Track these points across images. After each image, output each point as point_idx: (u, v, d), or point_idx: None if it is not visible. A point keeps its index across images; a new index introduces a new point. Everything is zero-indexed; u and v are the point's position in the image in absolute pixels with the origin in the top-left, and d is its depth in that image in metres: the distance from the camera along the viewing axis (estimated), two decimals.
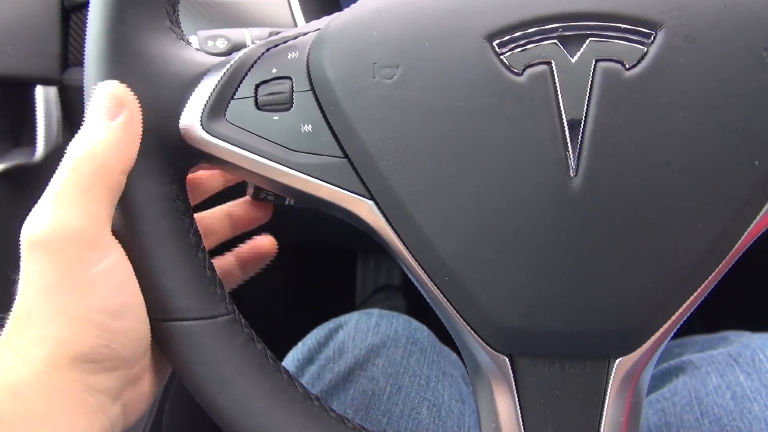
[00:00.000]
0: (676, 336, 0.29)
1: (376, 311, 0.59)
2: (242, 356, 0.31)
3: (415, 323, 0.59)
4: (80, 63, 0.67)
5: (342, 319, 0.59)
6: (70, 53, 0.66)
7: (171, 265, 0.30)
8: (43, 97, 0.62)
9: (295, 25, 0.62)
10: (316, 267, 1.25)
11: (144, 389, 0.32)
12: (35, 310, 0.28)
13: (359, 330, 0.56)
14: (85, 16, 0.66)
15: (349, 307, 1.24)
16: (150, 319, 0.30)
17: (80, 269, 0.28)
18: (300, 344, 0.57)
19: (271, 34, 0.45)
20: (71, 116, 0.65)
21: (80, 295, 0.28)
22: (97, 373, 0.29)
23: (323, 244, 1.05)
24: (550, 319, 0.28)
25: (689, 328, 0.68)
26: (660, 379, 0.53)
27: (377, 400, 0.49)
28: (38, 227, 0.27)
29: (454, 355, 0.60)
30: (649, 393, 0.53)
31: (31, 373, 0.27)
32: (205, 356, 0.30)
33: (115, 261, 0.29)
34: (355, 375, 0.51)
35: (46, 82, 0.62)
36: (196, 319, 0.30)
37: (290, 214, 0.41)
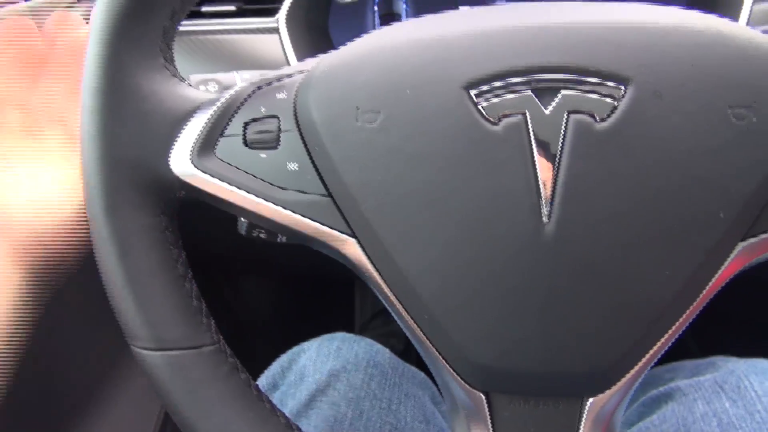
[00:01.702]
0: (667, 360, 0.30)
1: (339, 335, 0.59)
2: (226, 385, 0.31)
3: (378, 346, 0.59)
4: None
5: (306, 344, 0.59)
6: None
7: (159, 295, 0.31)
8: None
9: (288, 62, 0.63)
10: (315, 295, 1.26)
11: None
12: None
13: (320, 354, 0.56)
14: None
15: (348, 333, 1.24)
16: (136, 348, 0.31)
17: None
18: (266, 370, 0.57)
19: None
20: None
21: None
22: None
23: (321, 272, 1.05)
24: (524, 359, 0.29)
25: (682, 351, 0.69)
26: (649, 406, 0.53)
27: (339, 427, 0.49)
28: None
29: (421, 375, 0.60)
30: (638, 420, 0.53)
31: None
32: (189, 385, 0.31)
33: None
34: (316, 401, 0.51)
35: None
36: (182, 348, 0.31)
37: (286, 246, 0.42)
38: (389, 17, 0.68)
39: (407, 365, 0.59)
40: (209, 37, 0.65)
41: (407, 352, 1.16)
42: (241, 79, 0.44)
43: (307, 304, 1.26)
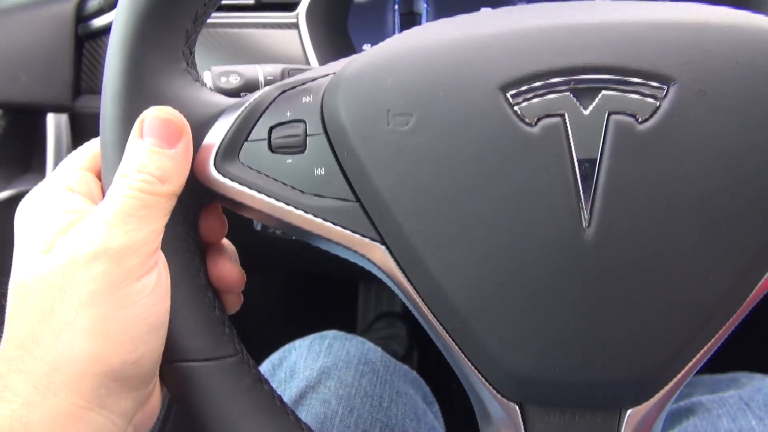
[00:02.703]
0: None
1: (331, 333, 0.59)
2: (249, 398, 0.31)
3: (369, 344, 0.59)
4: (92, 90, 0.68)
5: (297, 342, 0.58)
6: (83, 80, 0.67)
7: (181, 305, 0.30)
8: (54, 124, 0.63)
9: (306, 59, 0.62)
10: (318, 294, 1.25)
11: (153, 408, 0.32)
12: (68, 326, 0.27)
13: (312, 351, 0.55)
14: (98, 44, 0.67)
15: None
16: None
17: (129, 279, 0.28)
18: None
19: (283, 71, 0.46)
20: (82, 142, 0.66)
21: (124, 303, 0.28)
22: (118, 395, 0.29)
23: (326, 271, 1.04)
24: (562, 368, 0.28)
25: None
26: (669, 421, 0.52)
27: (329, 423, 0.48)
28: (100, 240, 0.28)
29: (413, 374, 0.60)
30: None
31: (50, 406, 0.27)
32: (212, 398, 0.30)
33: (159, 275, 0.29)
34: (307, 398, 0.51)
35: (57, 109, 0.63)
36: (205, 360, 0.30)
37: (294, 242, 0.41)
38: (410, 16, 0.67)
39: (399, 363, 0.59)
40: (227, 30, 0.65)
41: (408, 357, 1.15)
42: (263, 72, 0.43)
43: (311, 303, 1.25)
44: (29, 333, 0.28)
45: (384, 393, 0.52)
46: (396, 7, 0.67)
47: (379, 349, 0.58)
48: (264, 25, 0.64)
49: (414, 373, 0.59)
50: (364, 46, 0.68)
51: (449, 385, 0.69)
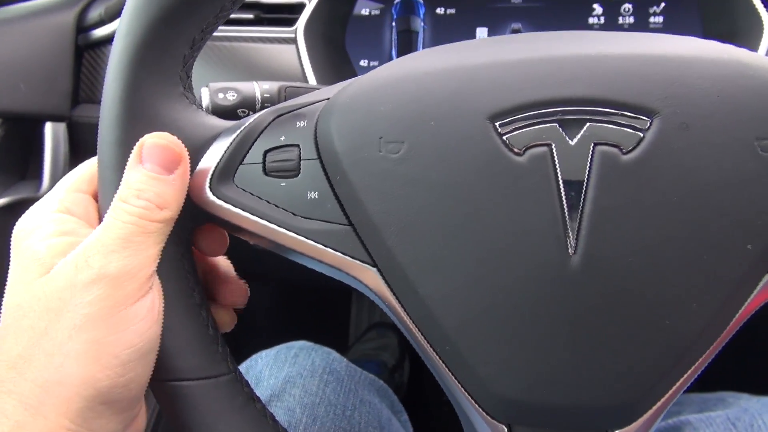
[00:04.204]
0: None
1: (298, 344, 0.59)
2: (242, 417, 0.31)
3: (335, 355, 0.59)
4: (90, 100, 0.68)
5: (264, 352, 0.59)
6: (81, 90, 0.68)
7: (175, 324, 0.31)
8: (52, 133, 0.63)
9: (303, 74, 0.63)
10: (311, 304, 1.25)
11: (138, 428, 0.32)
12: (60, 349, 0.27)
13: (277, 361, 0.56)
14: (98, 54, 0.68)
15: (342, 344, 1.24)
16: (152, 379, 0.31)
17: (124, 304, 0.28)
18: None
19: (280, 89, 0.46)
20: (79, 151, 0.66)
21: (117, 328, 0.28)
22: (106, 417, 0.29)
23: (318, 281, 1.05)
24: (548, 392, 0.28)
25: None
26: None
27: None
28: (99, 266, 0.28)
29: (380, 383, 0.60)
30: None
31: (40, 428, 0.27)
32: (205, 417, 0.30)
33: (152, 300, 0.30)
34: (271, 406, 0.51)
35: (55, 118, 0.63)
36: (198, 378, 0.31)
37: None
38: (406, 34, 0.68)
39: (365, 373, 0.59)
40: (225, 43, 0.65)
41: (399, 367, 1.15)
42: (260, 89, 0.44)
43: (303, 313, 1.25)
44: (21, 354, 0.28)
45: (348, 401, 0.53)
46: (393, 24, 0.68)
47: (344, 359, 0.59)
48: (262, 40, 0.65)
49: (381, 382, 0.60)
50: (362, 62, 0.69)
51: (440, 396, 0.70)
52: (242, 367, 0.58)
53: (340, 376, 0.55)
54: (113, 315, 0.28)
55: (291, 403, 0.51)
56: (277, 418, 0.50)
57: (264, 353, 0.58)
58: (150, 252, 0.29)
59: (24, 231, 0.31)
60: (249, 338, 1.13)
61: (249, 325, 1.19)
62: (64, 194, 0.32)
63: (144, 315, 0.29)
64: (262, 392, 0.52)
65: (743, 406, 0.51)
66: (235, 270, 0.44)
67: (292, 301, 1.25)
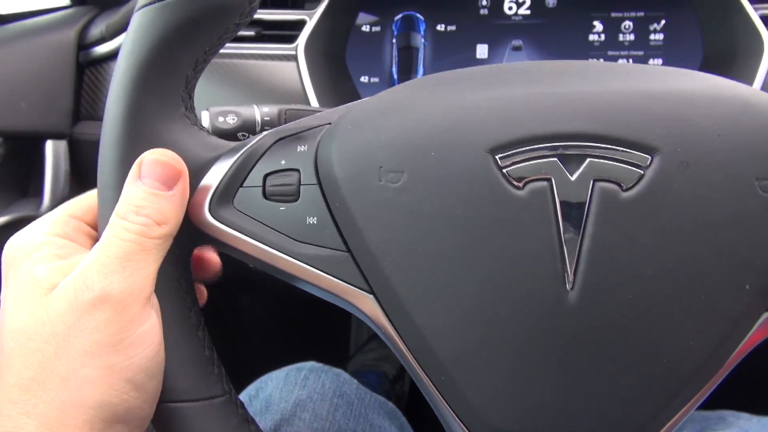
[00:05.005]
0: None
1: (308, 365, 0.59)
2: None
3: (345, 376, 0.59)
4: (91, 117, 0.69)
5: (273, 373, 0.59)
6: (82, 107, 0.68)
7: (171, 346, 0.31)
8: (53, 150, 0.63)
9: (304, 90, 0.63)
10: (312, 315, 1.25)
11: None
12: (75, 373, 0.28)
13: (287, 383, 0.56)
14: (99, 71, 0.68)
15: (342, 355, 1.24)
16: None
17: (131, 328, 0.28)
18: None
19: (280, 112, 0.46)
20: (80, 169, 0.66)
21: (128, 354, 0.28)
22: None
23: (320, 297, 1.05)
24: (542, 425, 0.28)
25: None
26: None
27: None
28: (99, 287, 0.28)
29: (389, 405, 0.60)
30: None
31: None
32: None
33: (155, 321, 0.30)
34: (281, 430, 0.51)
35: (56, 136, 0.63)
36: (193, 400, 0.31)
37: None
38: (407, 50, 0.68)
39: (375, 395, 0.59)
40: (226, 60, 0.65)
41: (399, 378, 1.15)
42: (260, 113, 0.44)
43: (305, 323, 1.25)
44: (34, 378, 0.28)
45: (358, 426, 0.53)
46: (394, 41, 0.68)
47: (355, 381, 0.59)
48: (263, 57, 0.65)
49: (390, 404, 0.60)
50: (362, 78, 0.69)
51: None
52: (252, 388, 0.58)
53: (350, 399, 0.55)
54: (122, 340, 0.28)
55: (301, 427, 0.51)
56: None
57: (274, 375, 0.58)
58: (149, 270, 0.29)
59: (21, 252, 0.31)
60: (250, 350, 1.13)
61: (251, 337, 1.20)
62: (61, 218, 0.33)
63: (152, 338, 0.29)
64: (272, 416, 0.52)
65: (743, 427, 0.51)
66: (235, 281, 0.44)
67: (293, 312, 1.25)
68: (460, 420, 0.29)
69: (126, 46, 0.30)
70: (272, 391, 0.55)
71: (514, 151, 0.28)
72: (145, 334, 0.29)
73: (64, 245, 0.31)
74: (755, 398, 0.68)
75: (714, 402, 0.61)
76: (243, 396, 0.58)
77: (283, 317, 1.25)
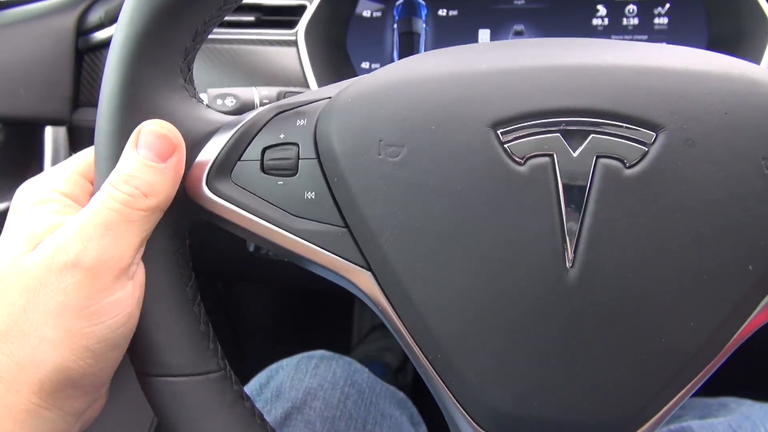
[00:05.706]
0: None
1: (319, 353, 0.59)
2: (230, 415, 0.31)
3: (356, 365, 0.59)
4: (91, 103, 0.68)
5: (284, 361, 0.58)
6: (82, 94, 0.67)
7: (167, 319, 0.30)
8: (52, 137, 0.63)
9: (304, 76, 0.63)
10: (314, 306, 1.25)
11: (101, 404, 0.33)
12: (36, 331, 0.28)
13: (298, 372, 0.56)
14: (98, 57, 0.68)
15: (345, 346, 1.24)
16: (140, 374, 0.31)
17: (99, 297, 0.28)
18: (245, 387, 0.56)
19: (279, 94, 0.46)
20: None
21: (91, 321, 0.28)
22: (74, 398, 0.30)
23: (321, 284, 1.05)
24: (540, 405, 0.28)
25: None
26: None
27: None
28: (75, 252, 0.28)
29: (400, 395, 0.60)
30: None
31: (12, 401, 0.28)
32: (193, 414, 0.30)
33: (128, 293, 0.29)
34: (292, 419, 0.51)
35: (56, 122, 0.63)
36: (188, 375, 0.30)
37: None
38: (408, 35, 0.67)
39: (385, 384, 0.59)
40: (226, 46, 0.65)
41: (402, 369, 1.15)
42: (259, 95, 0.43)
43: (307, 314, 1.25)
44: (0, 329, 0.28)
45: (368, 415, 0.52)
46: (395, 26, 0.68)
47: (366, 370, 0.59)
48: (263, 42, 0.64)
49: (401, 394, 0.59)
50: (363, 64, 0.68)
51: None
52: (263, 376, 0.58)
53: (361, 388, 0.55)
54: (88, 306, 0.28)
55: (312, 416, 0.51)
56: (298, 431, 0.50)
57: (285, 362, 0.58)
58: (131, 242, 0.29)
59: (26, 203, 0.31)
60: (253, 341, 1.13)
61: (253, 328, 1.20)
62: (71, 176, 0.33)
63: (120, 310, 0.29)
64: (283, 404, 0.52)
65: (745, 413, 0.51)
66: (238, 273, 0.44)
67: (295, 304, 1.25)
68: (455, 399, 0.29)
69: (124, 15, 0.30)
70: (283, 379, 0.55)
71: (516, 126, 0.28)
72: (114, 305, 0.29)
73: (66, 204, 0.31)
74: (758, 385, 0.68)
75: (716, 389, 0.60)
76: (253, 383, 0.58)
77: (284, 310, 1.25)
